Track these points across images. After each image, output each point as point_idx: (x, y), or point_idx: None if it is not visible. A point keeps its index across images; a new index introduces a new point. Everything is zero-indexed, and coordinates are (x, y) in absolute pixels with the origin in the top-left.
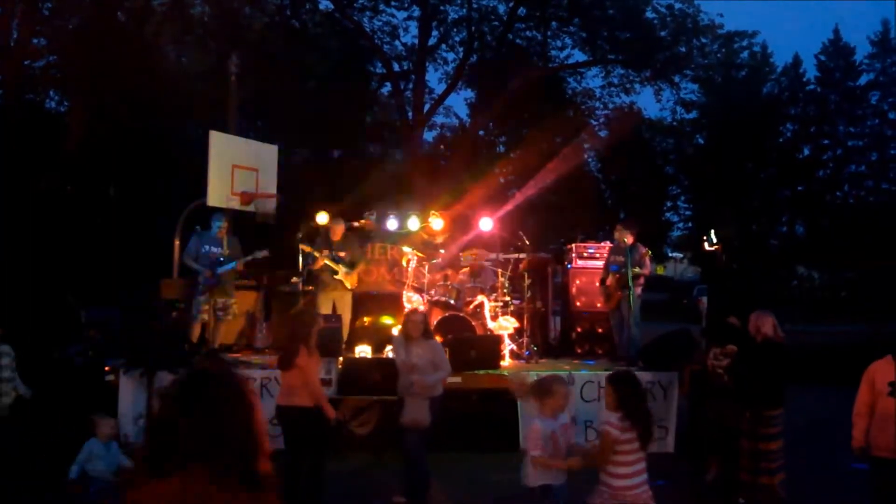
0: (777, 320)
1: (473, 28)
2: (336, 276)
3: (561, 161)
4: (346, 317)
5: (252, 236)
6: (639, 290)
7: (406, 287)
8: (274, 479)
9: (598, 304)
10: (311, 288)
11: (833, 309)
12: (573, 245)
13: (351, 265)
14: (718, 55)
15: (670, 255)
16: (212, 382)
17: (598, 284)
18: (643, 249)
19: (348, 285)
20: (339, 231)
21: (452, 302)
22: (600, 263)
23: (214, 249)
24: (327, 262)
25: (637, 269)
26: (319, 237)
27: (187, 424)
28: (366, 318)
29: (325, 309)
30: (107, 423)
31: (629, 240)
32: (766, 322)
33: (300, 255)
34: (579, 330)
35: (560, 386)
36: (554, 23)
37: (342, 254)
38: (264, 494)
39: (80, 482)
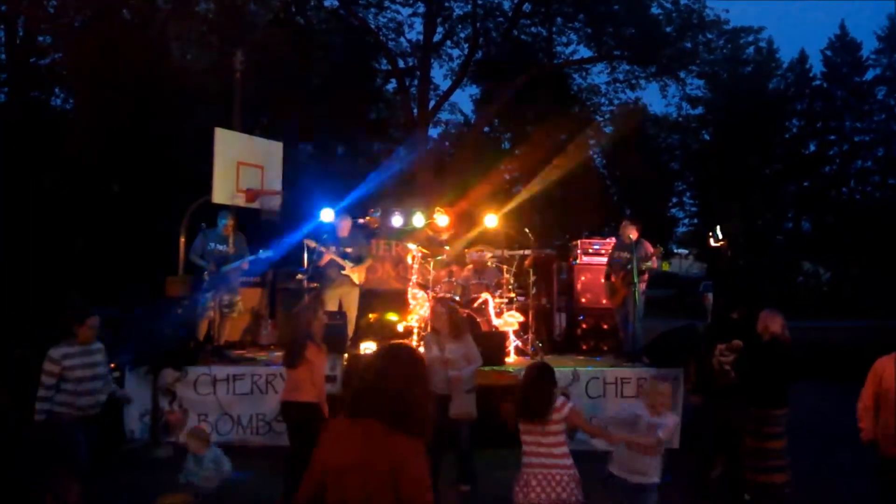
0: (785, 320)
1: (478, 24)
2: (343, 272)
3: (566, 157)
4: (353, 313)
5: (257, 233)
6: (643, 286)
7: (411, 284)
8: (430, 427)
9: (603, 301)
10: (315, 285)
11: (839, 305)
12: (578, 241)
13: (358, 260)
14: (724, 51)
15: (676, 251)
16: (402, 356)
17: (603, 280)
18: (649, 245)
19: (356, 280)
20: (346, 227)
21: (457, 298)
22: (605, 260)
23: (220, 247)
24: (334, 257)
25: (648, 264)
26: (325, 234)
27: (378, 385)
28: (371, 315)
29: (332, 305)
30: (194, 436)
31: (634, 235)
32: (775, 321)
33: (305, 252)
34: (584, 326)
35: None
36: (559, 19)
37: (349, 249)
38: (421, 440)
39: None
